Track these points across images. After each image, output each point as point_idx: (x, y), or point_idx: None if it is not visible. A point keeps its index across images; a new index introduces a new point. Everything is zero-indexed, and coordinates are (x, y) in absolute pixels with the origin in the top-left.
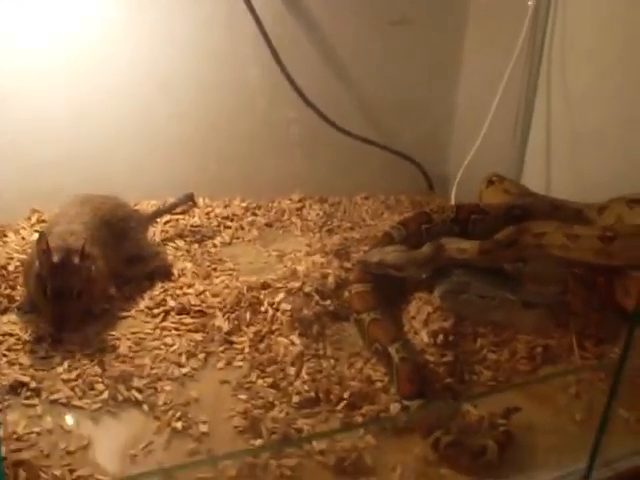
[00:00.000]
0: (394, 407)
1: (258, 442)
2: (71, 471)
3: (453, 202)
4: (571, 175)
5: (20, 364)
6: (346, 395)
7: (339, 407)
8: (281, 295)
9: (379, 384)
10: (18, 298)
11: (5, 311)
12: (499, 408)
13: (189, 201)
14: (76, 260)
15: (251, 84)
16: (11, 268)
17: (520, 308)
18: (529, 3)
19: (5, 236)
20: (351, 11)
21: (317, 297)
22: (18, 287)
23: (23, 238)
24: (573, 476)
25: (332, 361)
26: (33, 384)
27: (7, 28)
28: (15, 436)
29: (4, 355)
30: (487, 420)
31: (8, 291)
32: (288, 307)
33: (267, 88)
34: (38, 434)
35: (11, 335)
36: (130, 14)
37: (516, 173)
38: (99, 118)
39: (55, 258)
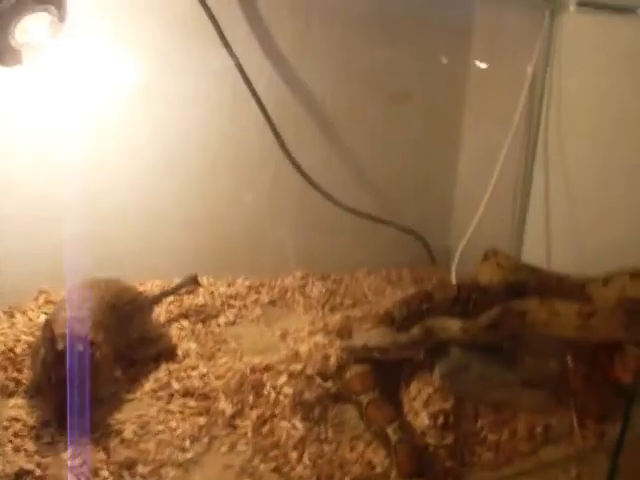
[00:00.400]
0: None
1: None
2: None
3: (454, 276)
4: (572, 247)
5: (25, 450)
6: None
7: None
8: (283, 378)
9: (380, 469)
10: (25, 381)
11: (12, 395)
12: None
13: (193, 283)
14: (80, 348)
15: (255, 165)
16: (18, 350)
17: (520, 387)
18: (528, 70)
19: (13, 317)
20: (351, 90)
21: (319, 380)
22: (25, 370)
23: (30, 319)
24: None
25: (334, 445)
26: (38, 472)
27: (13, 110)
28: None
29: (10, 441)
30: None
31: (15, 374)
32: (290, 391)
33: (271, 169)
34: None
35: (17, 420)
36: (140, 97)
37: (517, 246)
38: (106, 199)
39: (60, 346)
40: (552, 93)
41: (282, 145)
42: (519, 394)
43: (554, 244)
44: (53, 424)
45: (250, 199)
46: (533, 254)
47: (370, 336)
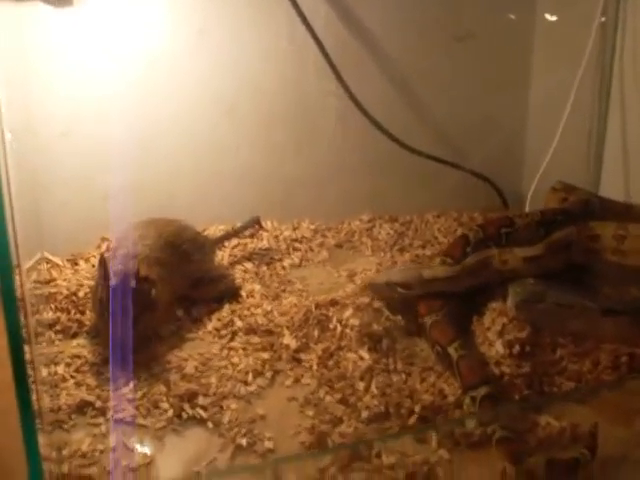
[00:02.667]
0: (469, 422)
1: (326, 458)
2: None
3: None
4: None
5: (87, 385)
6: (417, 409)
7: (410, 421)
8: (349, 311)
9: (452, 398)
10: (87, 323)
11: (75, 335)
12: (581, 420)
13: (255, 224)
14: (133, 284)
15: (316, 108)
16: (81, 294)
17: (600, 316)
18: (602, 19)
19: (76, 264)
20: (414, 29)
21: (387, 312)
22: (87, 312)
23: (93, 266)
24: None
25: (403, 375)
26: (98, 403)
27: (71, 59)
28: (79, 453)
29: (72, 377)
30: (569, 431)
31: (78, 316)
32: (357, 322)
33: (332, 111)
34: (102, 452)
35: (79, 357)
36: (193, 42)
37: (594, 183)
38: (165, 145)
39: (113, 282)
40: (627, 25)
41: (344, 86)
42: (600, 323)
43: (633, 181)
44: (110, 360)
45: (313, 142)
46: (611, 192)
47: (390, 273)
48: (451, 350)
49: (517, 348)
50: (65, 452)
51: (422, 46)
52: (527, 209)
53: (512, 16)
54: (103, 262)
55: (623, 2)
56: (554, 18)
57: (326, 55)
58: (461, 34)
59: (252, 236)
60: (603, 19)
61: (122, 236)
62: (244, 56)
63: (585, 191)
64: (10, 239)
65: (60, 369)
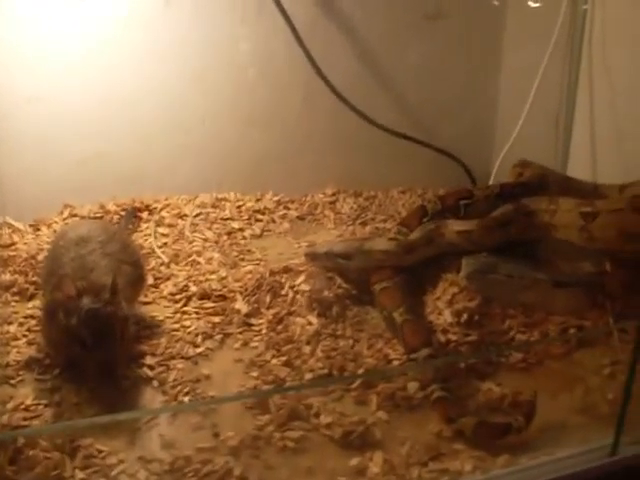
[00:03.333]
0: (412, 385)
1: (265, 418)
2: (71, 440)
3: None
4: (618, 163)
5: (37, 344)
6: (360, 372)
7: (354, 385)
8: (302, 278)
9: (396, 362)
10: None
11: (31, 297)
12: (525, 388)
13: (133, 216)
14: (107, 297)
15: (284, 81)
16: (40, 257)
17: (551, 288)
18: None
19: (38, 230)
20: (385, 6)
21: (340, 280)
22: None
23: (55, 231)
24: (600, 452)
25: (350, 341)
26: (47, 361)
27: (39, 28)
28: (22, 407)
29: (24, 335)
30: (510, 398)
31: (35, 278)
32: (307, 288)
33: (300, 85)
34: (45, 406)
35: (33, 318)
36: (163, 11)
37: (561, 164)
38: (132, 115)
39: (85, 302)
40: (595, 8)
41: (313, 63)
42: (551, 295)
43: (599, 161)
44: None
45: (280, 115)
46: (578, 171)
47: (332, 243)
48: (396, 315)
49: (465, 317)
50: (9, 405)
51: (393, 24)
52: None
53: None
54: (67, 285)
55: None
56: None
57: (294, 29)
58: (432, 13)
59: (133, 228)
60: (585, 7)
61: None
62: (213, 28)
63: (539, 166)
64: None
65: (12, 328)
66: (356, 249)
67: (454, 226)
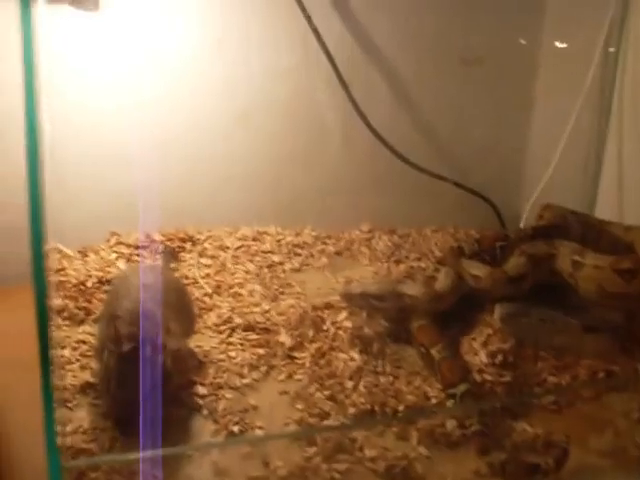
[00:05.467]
0: (450, 423)
1: (312, 450)
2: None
3: None
4: None
5: (90, 369)
6: (401, 408)
7: (394, 421)
8: (344, 315)
9: (435, 400)
10: (95, 311)
11: (81, 322)
12: (556, 429)
13: (172, 256)
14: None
15: (325, 120)
16: (89, 284)
17: (581, 332)
18: (610, 50)
19: (86, 256)
20: (424, 50)
21: (379, 318)
22: (94, 301)
23: (102, 258)
24: None
25: (390, 377)
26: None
27: (88, 60)
28: (81, 430)
29: (77, 360)
30: (542, 438)
31: (85, 304)
32: (350, 325)
33: (340, 125)
34: (102, 430)
35: (84, 343)
36: (211, 51)
37: (589, 207)
38: (179, 149)
39: (125, 347)
40: (627, 56)
41: (352, 101)
42: (581, 339)
43: (627, 206)
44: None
45: (320, 153)
46: (605, 216)
47: (366, 284)
48: (434, 352)
49: (500, 358)
50: (69, 428)
51: (430, 67)
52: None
53: (519, 42)
54: (113, 321)
55: (625, 33)
56: (559, 45)
57: (337, 70)
58: (470, 58)
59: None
60: (612, 49)
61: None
62: (259, 67)
63: (561, 208)
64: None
65: (66, 352)
66: (389, 292)
67: (469, 268)
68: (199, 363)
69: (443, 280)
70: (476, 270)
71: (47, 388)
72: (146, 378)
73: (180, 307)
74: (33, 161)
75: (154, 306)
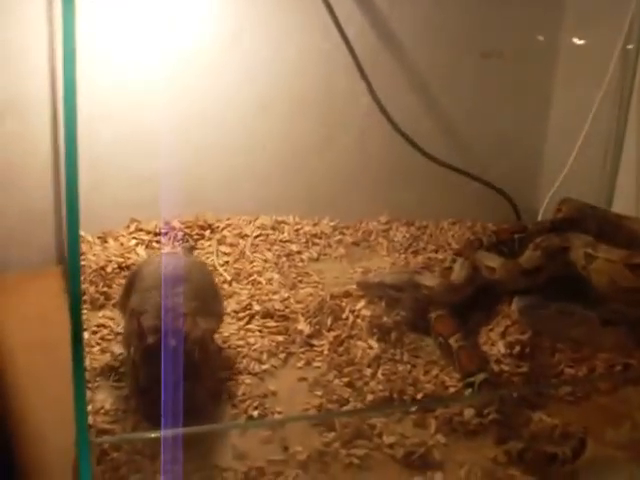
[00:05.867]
0: (468, 412)
1: (331, 435)
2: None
3: None
4: None
5: (111, 352)
6: (419, 397)
7: (413, 408)
8: (362, 303)
9: (452, 389)
10: (115, 296)
11: (102, 307)
12: (573, 420)
13: (190, 252)
14: (174, 343)
15: (344, 111)
16: (109, 269)
17: (599, 325)
18: (629, 47)
19: (106, 242)
20: (443, 43)
21: (398, 307)
22: (114, 286)
23: (122, 244)
24: None
25: (408, 366)
26: (122, 369)
27: (107, 44)
28: (103, 411)
29: (97, 343)
30: (560, 429)
31: (105, 289)
32: (368, 314)
33: (359, 117)
34: (124, 411)
35: (105, 327)
36: (230, 42)
37: (606, 202)
38: (197, 136)
39: (150, 340)
40: None
41: (372, 92)
42: (599, 332)
43: None
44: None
45: (339, 144)
46: (624, 211)
47: (383, 274)
48: (452, 341)
49: (517, 349)
50: (90, 408)
51: (449, 60)
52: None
53: (538, 37)
54: (136, 316)
55: None
56: (578, 41)
57: (357, 62)
58: (488, 51)
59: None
60: (630, 46)
61: (148, 274)
62: (278, 58)
63: (579, 202)
64: None
65: (86, 335)
66: (406, 282)
67: (484, 260)
68: (219, 349)
69: (458, 272)
70: (490, 262)
71: (79, 369)
72: (169, 370)
73: (205, 292)
74: (71, 149)
75: (176, 296)
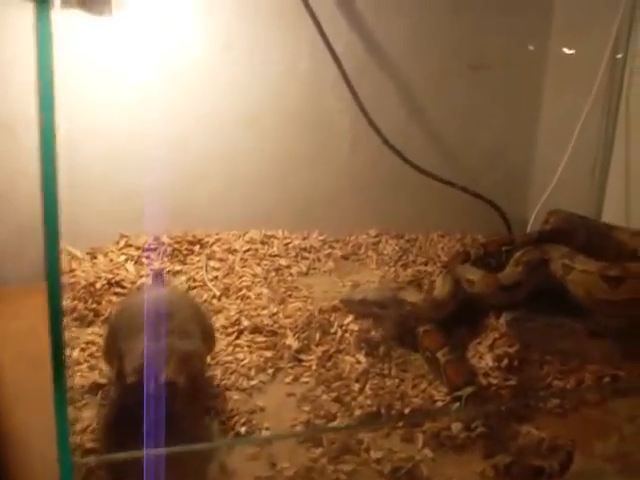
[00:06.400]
0: (455, 426)
1: (318, 451)
2: None
3: None
4: None
5: (100, 369)
6: (407, 411)
7: (400, 422)
8: (350, 318)
9: (440, 403)
10: (103, 312)
11: (90, 324)
12: (561, 433)
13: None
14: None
15: (332, 125)
16: (98, 286)
17: (587, 338)
18: (618, 56)
19: (95, 258)
20: (431, 56)
21: (386, 322)
22: (103, 302)
23: (111, 260)
24: None
25: (396, 380)
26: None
27: (96, 60)
28: (90, 429)
29: (86, 360)
30: (547, 442)
31: (94, 305)
32: (356, 328)
33: (348, 130)
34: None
35: (94, 344)
36: (220, 57)
37: (596, 213)
38: (187, 153)
39: (130, 379)
40: (635, 64)
41: (360, 106)
42: (586, 344)
43: (634, 210)
44: None
45: (328, 158)
46: (612, 220)
47: (366, 291)
48: (439, 355)
49: (505, 362)
50: (77, 427)
51: (437, 72)
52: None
53: (526, 48)
54: (120, 358)
55: (633, 40)
56: (567, 51)
57: (345, 76)
58: (477, 64)
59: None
60: (619, 55)
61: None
62: (267, 73)
63: (567, 212)
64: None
65: (75, 353)
66: (389, 299)
67: (465, 273)
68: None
69: (441, 287)
70: (471, 275)
71: (60, 388)
72: (151, 420)
73: (190, 325)
74: (49, 163)
75: (157, 340)
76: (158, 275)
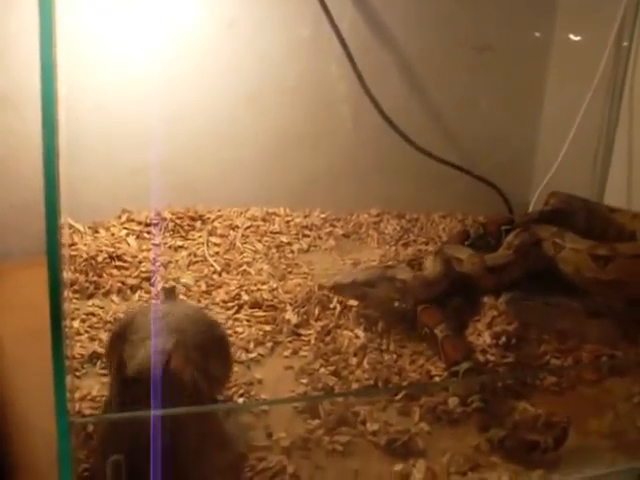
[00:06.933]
0: (452, 400)
1: (315, 422)
2: None
3: None
4: None
5: (99, 340)
6: (404, 385)
7: (397, 396)
8: None
9: (438, 378)
10: (104, 285)
11: (91, 296)
12: (557, 410)
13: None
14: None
15: (335, 103)
16: (99, 259)
17: (585, 317)
18: (624, 44)
19: (97, 232)
20: (436, 37)
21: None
22: (104, 275)
23: (113, 234)
24: (628, 474)
25: (394, 356)
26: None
27: (99, 37)
28: (89, 397)
29: (86, 331)
30: (543, 418)
31: (95, 278)
32: (356, 303)
33: (351, 109)
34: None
35: (94, 315)
36: (223, 33)
37: (598, 197)
38: (190, 129)
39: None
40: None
41: (364, 85)
42: (584, 324)
43: (636, 195)
44: None
45: (330, 137)
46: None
47: (355, 273)
48: (437, 331)
49: (503, 339)
50: (77, 395)
51: (442, 54)
52: None
53: (531, 32)
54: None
55: (639, 27)
56: (571, 37)
57: (349, 55)
58: (480, 46)
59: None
60: (625, 43)
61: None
62: (270, 50)
63: (567, 194)
64: None
65: (76, 324)
66: (379, 277)
67: (455, 252)
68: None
69: (432, 266)
70: (459, 253)
71: (58, 354)
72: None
73: (208, 349)
74: (50, 137)
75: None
76: (170, 291)
